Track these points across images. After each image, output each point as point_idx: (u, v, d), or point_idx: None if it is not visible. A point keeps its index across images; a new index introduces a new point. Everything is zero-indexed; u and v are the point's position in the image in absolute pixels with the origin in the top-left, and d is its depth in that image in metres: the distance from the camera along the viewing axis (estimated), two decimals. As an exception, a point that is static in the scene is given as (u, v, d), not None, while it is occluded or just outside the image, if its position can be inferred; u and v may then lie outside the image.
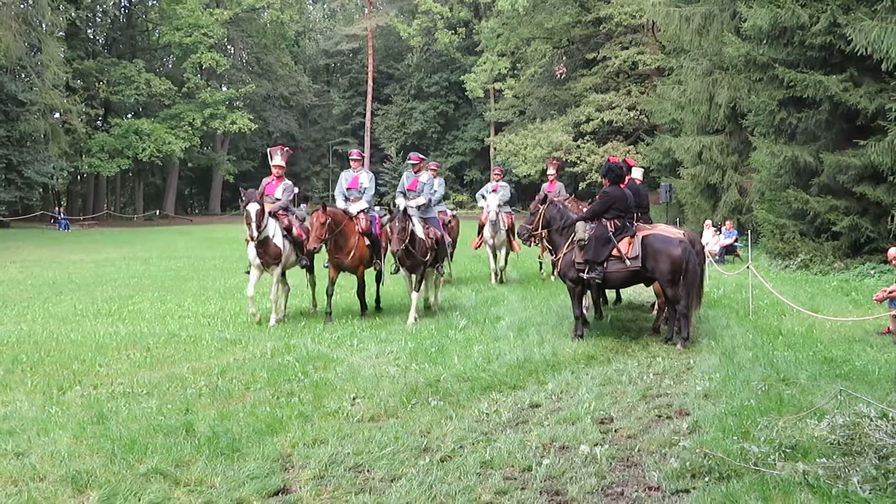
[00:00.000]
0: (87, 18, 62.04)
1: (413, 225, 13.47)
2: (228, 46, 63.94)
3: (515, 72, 55.23)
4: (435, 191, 16.06)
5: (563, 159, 48.35)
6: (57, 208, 55.89)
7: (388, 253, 14.32)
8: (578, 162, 47.66)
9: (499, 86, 55.80)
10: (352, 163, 15.00)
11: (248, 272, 14.06)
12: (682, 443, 7.23)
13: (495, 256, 19.71)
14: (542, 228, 12.31)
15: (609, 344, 11.85)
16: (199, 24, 58.18)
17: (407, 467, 6.79)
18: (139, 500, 6.10)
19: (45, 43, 51.92)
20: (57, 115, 54.38)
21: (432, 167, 19.34)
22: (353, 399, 8.87)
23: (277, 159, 14.43)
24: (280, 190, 14.26)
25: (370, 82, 67.01)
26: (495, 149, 55.54)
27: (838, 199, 20.25)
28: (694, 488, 6.26)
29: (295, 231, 14.13)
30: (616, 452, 7.08)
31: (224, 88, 61.37)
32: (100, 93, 59.08)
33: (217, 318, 14.21)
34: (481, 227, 19.32)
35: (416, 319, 13.80)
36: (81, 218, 56.23)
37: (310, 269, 14.78)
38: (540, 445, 7.27)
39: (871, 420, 7.16)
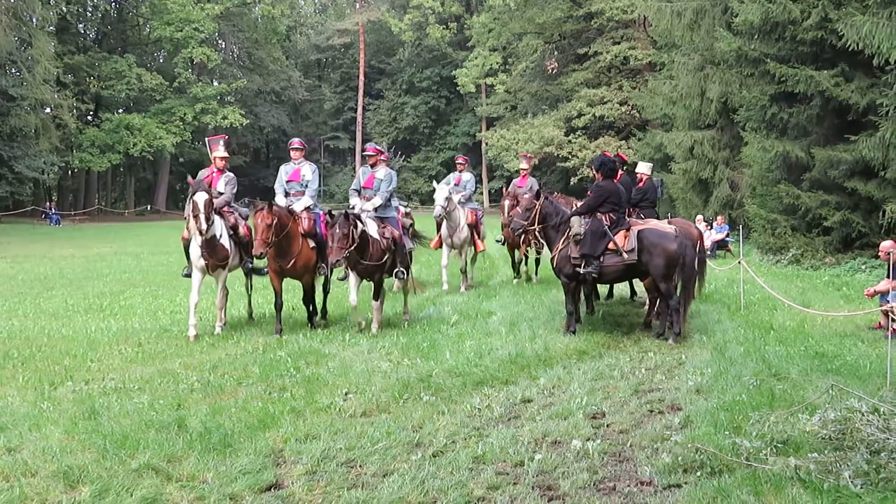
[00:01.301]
0: (78, 13, 61.97)
1: (363, 226, 11.93)
2: (219, 41, 63.84)
3: (507, 67, 55.29)
4: (384, 185, 13.60)
5: (555, 154, 48.49)
6: (48, 203, 55.82)
7: None
8: (570, 157, 47.70)
9: (490, 81, 55.86)
10: (293, 153, 13.21)
11: (188, 275, 12.65)
12: (673, 438, 7.25)
13: (461, 255, 17.49)
14: (539, 224, 12.23)
15: (601, 339, 11.87)
16: (190, 19, 58.12)
17: (399, 462, 6.80)
18: (131, 495, 6.10)
19: (36, 38, 51.84)
20: (48, 109, 54.31)
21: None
22: (345, 394, 8.87)
23: (220, 150, 13.04)
24: (222, 183, 12.83)
25: (361, 77, 67.12)
26: (487, 144, 55.67)
27: (829, 195, 20.32)
28: (686, 483, 6.28)
29: (241, 230, 12.90)
30: (608, 447, 7.10)
31: (215, 83, 61.34)
32: (91, 88, 58.97)
33: (209, 313, 13.82)
34: (439, 225, 17.23)
35: (377, 330, 12.46)
36: (72, 213, 56.21)
37: (252, 272, 13.57)
38: (532, 440, 7.27)
39: (863, 415, 7.18)
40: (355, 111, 67.61)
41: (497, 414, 8.20)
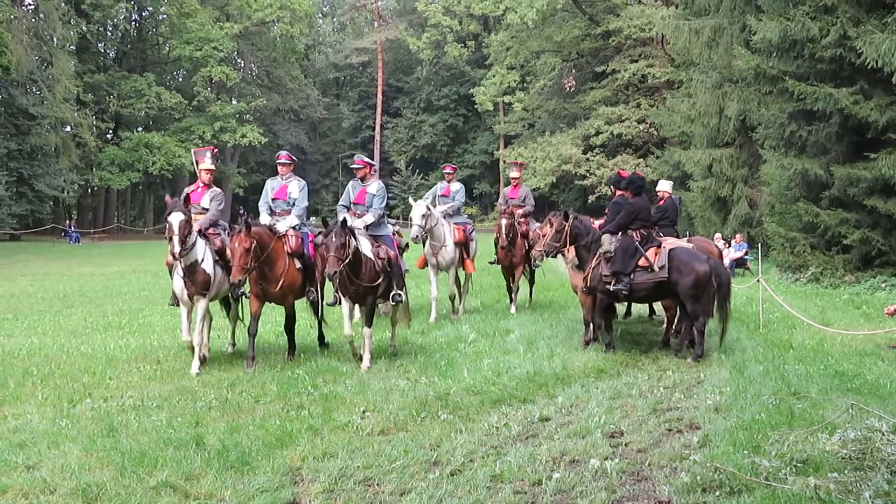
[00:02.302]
0: (98, 32, 62.39)
1: (356, 241, 10.72)
2: (238, 60, 64.15)
3: (525, 85, 55.39)
4: (377, 201, 12.37)
5: (573, 172, 48.50)
6: (67, 221, 56.09)
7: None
8: (588, 175, 47.67)
9: (508, 99, 55.93)
10: (280, 168, 12.08)
11: (174, 304, 11.76)
12: (692, 457, 7.22)
13: (449, 277, 15.84)
14: (571, 244, 12.17)
15: (619, 357, 11.83)
16: (210, 38, 58.36)
17: (417, 481, 6.79)
18: (151, 514, 6.13)
19: (56, 57, 52.16)
20: (68, 128, 54.58)
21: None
22: (363, 412, 8.87)
23: (207, 162, 11.83)
24: (207, 199, 11.63)
25: (379, 95, 67.23)
26: (505, 162, 55.63)
27: (849, 213, 20.26)
28: (705, 503, 6.26)
29: (229, 253, 11.02)
30: (626, 466, 7.07)
31: (234, 102, 61.57)
32: (110, 106, 59.29)
33: (227, 331, 13.80)
34: (425, 241, 15.12)
35: (369, 363, 11.16)
36: (92, 231, 56.42)
37: (239, 297, 12.35)
38: (550, 459, 7.25)
39: (883, 434, 7.15)
40: (373, 129, 67.75)
41: (515, 432, 8.18)
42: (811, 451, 7.04)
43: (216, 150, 12.47)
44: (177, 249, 10.32)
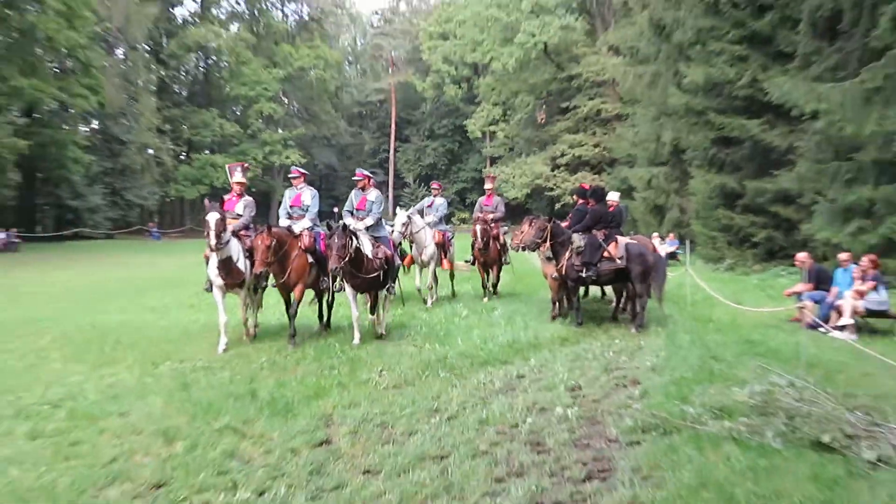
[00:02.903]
0: (173, 76, 62.22)
1: (357, 242, 10.35)
2: (283, 98, 63.89)
3: (506, 117, 55.18)
4: (375, 206, 11.88)
5: (543, 185, 48.49)
6: (150, 223, 55.93)
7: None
8: (554, 188, 47.67)
9: (493, 128, 55.79)
10: (293, 181, 11.62)
11: (208, 289, 11.07)
12: (634, 405, 7.29)
13: (433, 271, 15.06)
14: (550, 240, 12.15)
15: (578, 329, 11.86)
16: (260, 81, 58.28)
17: (421, 424, 6.84)
18: (215, 449, 6.16)
19: (141, 95, 52.12)
20: (150, 151, 54.47)
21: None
22: (380, 371, 8.91)
23: (238, 176, 11.44)
24: (241, 206, 11.25)
25: (393, 125, 67.17)
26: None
27: (757, 217, 20.40)
28: (644, 441, 6.31)
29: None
30: (583, 413, 7.13)
31: (279, 131, 61.33)
32: (183, 134, 59.10)
33: (276, 309, 13.71)
34: (411, 244, 14.75)
35: (385, 332, 11.06)
36: (170, 231, 56.34)
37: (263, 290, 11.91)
38: (524, 408, 7.31)
39: (782, 388, 7.19)
40: (388, 152, 67.58)
41: (497, 387, 8.22)
42: (726, 401, 7.08)
43: (246, 166, 11.80)
44: (213, 242, 9.95)
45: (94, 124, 50.93)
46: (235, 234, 10.64)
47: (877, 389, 7.67)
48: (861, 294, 11.39)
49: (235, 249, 10.46)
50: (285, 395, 7.74)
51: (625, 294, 13.29)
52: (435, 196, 15.70)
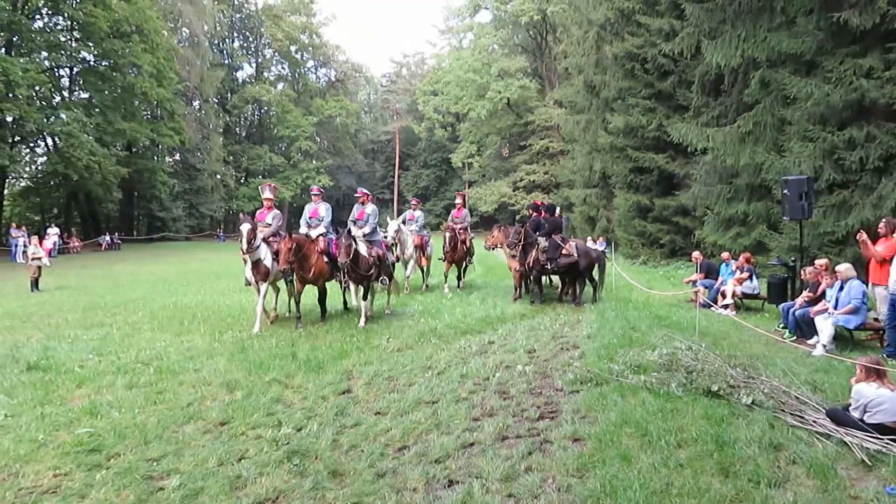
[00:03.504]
0: (235, 121, 61.85)
1: (356, 244, 10.04)
2: (316, 137, 63.47)
3: (480, 152, 55.08)
4: (371, 217, 11.45)
5: (507, 202, 48.55)
6: (218, 230, 55.63)
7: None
8: (515, 204, 47.78)
9: (470, 160, 55.64)
10: (313, 197, 11.08)
11: (248, 285, 10.65)
12: (574, 364, 7.26)
13: (412, 266, 14.36)
14: (524, 241, 12.14)
15: (535, 308, 11.82)
16: (299, 125, 57.94)
17: (418, 378, 6.79)
18: (265, 396, 6.11)
19: (211, 136, 51.93)
20: (218, 176, 54.16)
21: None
22: (388, 339, 8.85)
23: (267, 193, 10.68)
24: (270, 217, 10.61)
25: (397, 158, 66.98)
26: (469, 196, 55.64)
27: (663, 225, 20.46)
28: (582, 390, 6.28)
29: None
30: (537, 369, 7.10)
31: (313, 161, 60.91)
32: (242, 164, 58.68)
33: (311, 295, 13.60)
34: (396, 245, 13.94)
35: (365, 322, 10.05)
36: (232, 235, 56.00)
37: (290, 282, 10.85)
38: (494, 366, 7.26)
39: (682, 351, 7.22)
40: (393, 177, 67.34)
41: (474, 350, 8.18)
42: (642, 360, 7.09)
43: (274, 186, 11.03)
44: (244, 247, 9.51)
45: (177, 156, 50.58)
46: (265, 239, 10.09)
47: (751, 351, 7.70)
48: (739, 282, 11.42)
49: (264, 252, 9.94)
50: (317, 356, 7.68)
51: (566, 282, 13.25)
52: (414, 209, 15.17)
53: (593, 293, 12.75)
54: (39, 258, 16.40)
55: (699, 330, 8.83)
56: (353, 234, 10.23)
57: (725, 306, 11.22)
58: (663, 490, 4.07)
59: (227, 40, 59.48)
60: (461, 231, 14.56)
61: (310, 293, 10.85)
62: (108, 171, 33.97)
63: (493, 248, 13.33)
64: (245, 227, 9.53)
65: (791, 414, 5.34)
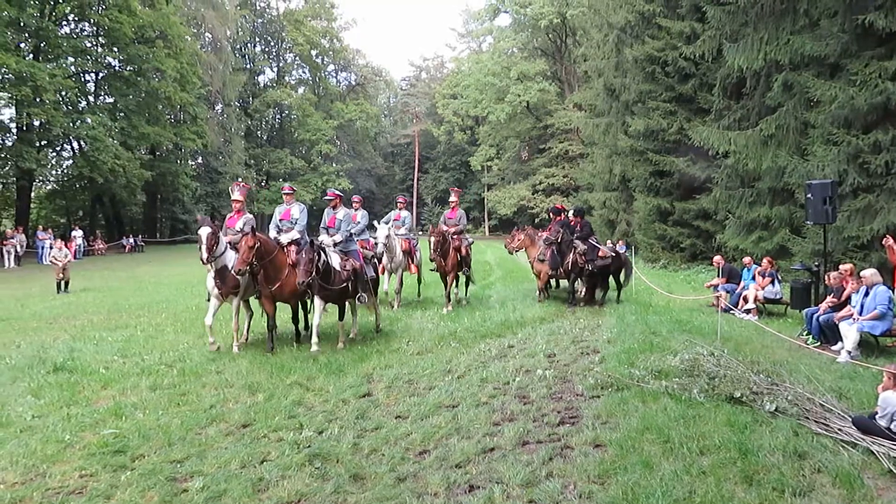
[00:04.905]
0: (257, 125, 62.33)
1: (328, 256, 8.41)
2: (336, 141, 63.78)
3: (499, 155, 54.96)
4: (359, 222, 10.38)
5: (526, 205, 48.41)
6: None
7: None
8: (534, 207, 47.62)
9: (489, 163, 55.56)
10: (284, 197, 9.35)
11: (208, 299, 8.90)
12: (595, 369, 7.21)
13: (397, 277, 12.55)
14: (561, 242, 12.14)
15: (553, 311, 11.77)
16: (320, 128, 58.27)
17: (438, 381, 6.79)
18: (286, 398, 6.15)
19: (233, 139, 52.33)
20: (240, 179, 54.62)
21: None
22: (407, 342, 8.87)
23: (236, 194, 9.04)
24: (241, 223, 8.90)
25: (416, 161, 67.13)
26: (487, 200, 55.68)
27: (684, 229, 20.26)
28: (602, 395, 6.24)
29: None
30: (557, 374, 7.06)
31: (333, 165, 61.18)
32: (263, 167, 59.03)
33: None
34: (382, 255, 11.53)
35: (343, 345, 8.59)
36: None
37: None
38: (514, 370, 7.24)
39: (704, 356, 7.14)
40: (413, 180, 67.43)
41: (494, 354, 8.16)
42: (663, 365, 7.02)
43: (246, 185, 9.42)
44: (204, 256, 8.11)
45: (199, 160, 51.13)
46: (234, 246, 8.49)
47: (774, 357, 7.59)
48: (762, 286, 11.28)
49: (231, 259, 8.34)
50: (338, 359, 7.72)
51: (584, 285, 13.13)
52: (401, 209, 13.14)
53: (618, 293, 13.11)
54: (66, 259, 16.66)
55: (721, 335, 8.72)
56: (324, 243, 8.76)
57: (747, 311, 11.09)
58: (686, 498, 4.02)
59: (248, 45, 59.99)
60: (454, 236, 12.11)
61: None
62: (132, 174, 34.42)
63: (517, 252, 13.36)
64: (204, 232, 8.09)
65: (816, 422, 5.26)
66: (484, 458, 4.72)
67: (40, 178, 36.34)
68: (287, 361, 7.58)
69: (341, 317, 8.93)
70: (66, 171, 38.48)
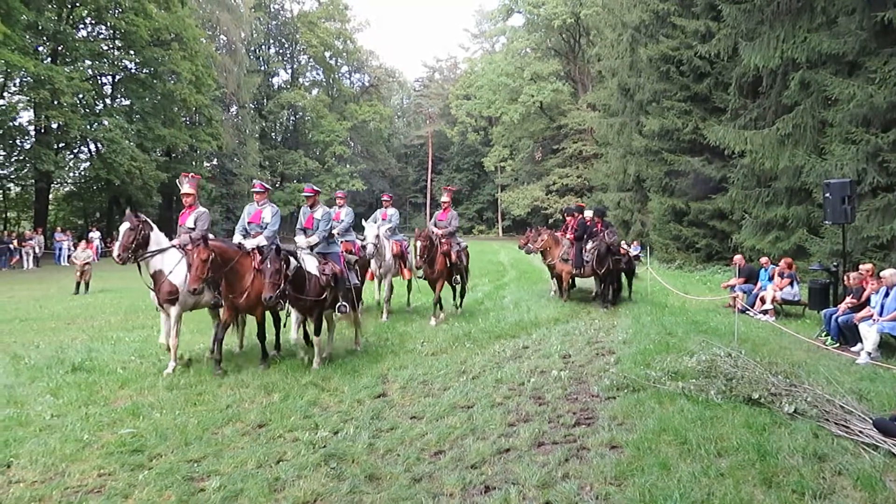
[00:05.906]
0: (271, 127, 62.63)
1: (299, 262, 7.21)
2: (350, 142, 63.95)
3: (512, 155, 54.86)
4: (342, 220, 9.77)
5: (540, 206, 48.29)
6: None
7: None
8: (548, 207, 47.50)
9: (503, 164, 55.49)
10: (255, 196, 8.30)
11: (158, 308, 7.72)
12: (610, 370, 7.17)
13: (380, 286, 11.51)
14: (578, 241, 12.41)
15: (568, 311, 11.73)
16: (333, 129, 58.43)
17: (453, 382, 6.78)
18: (302, 399, 6.17)
19: (248, 141, 52.61)
20: (254, 181, 54.80)
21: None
22: (422, 343, 8.87)
23: (186, 187, 7.90)
24: (192, 219, 7.89)
25: (430, 162, 67.09)
26: (501, 200, 55.61)
27: (699, 229, 20.15)
28: (618, 396, 6.20)
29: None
30: (572, 375, 7.03)
31: (347, 166, 61.36)
32: (278, 168, 59.31)
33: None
34: (372, 257, 10.40)
35: (319, 363, 7.47)
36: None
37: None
38: (528, 370, 7.22)
39: (721, 357, 7.08)
40: (426, 181, 67.44)
41: (508, 355, 8.15)
42: (679, 366, 6.96)
43: (196, 175, 8.29)
44: (115, 252, 7.31)
45: (214, 161, 51.45)
46: (181, 247, 7.57)
47: (792, 359, 7.52)
48: (780, 287, 11.17)
49: (169, 262, 7.44)
50: (353, 360, 7.73)
51: (604, 285, 13.06)
52: (386, 207, 12.02)
53: (629, 292, 13.40)
54: (89, 259, 16.92)
55: (738, 336, 8.64)
56: (298, 245, 7.91)
57: (765, 311, 10.99)
58: (704, 500, 3.98)
59: (263, 47, 60.33)
60: (443, 239, 10.76)
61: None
62: (148, 176, 34.72)
63: (538, 252, 13.41)
64: (123, 227, 7.17)
65: (836, 423, 5.19)
66: (499, 458, 4.71)
67: (58, 180, 36.70)
68: (303, 363, 7.57)
69: (317, 331, 7.54)
70: (83, 173, 38.86)
